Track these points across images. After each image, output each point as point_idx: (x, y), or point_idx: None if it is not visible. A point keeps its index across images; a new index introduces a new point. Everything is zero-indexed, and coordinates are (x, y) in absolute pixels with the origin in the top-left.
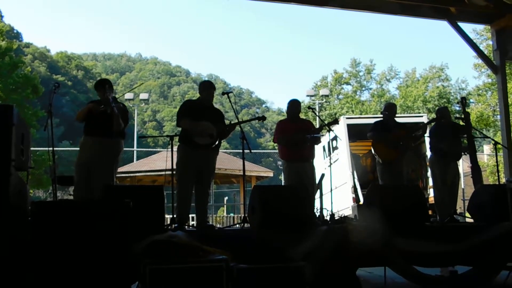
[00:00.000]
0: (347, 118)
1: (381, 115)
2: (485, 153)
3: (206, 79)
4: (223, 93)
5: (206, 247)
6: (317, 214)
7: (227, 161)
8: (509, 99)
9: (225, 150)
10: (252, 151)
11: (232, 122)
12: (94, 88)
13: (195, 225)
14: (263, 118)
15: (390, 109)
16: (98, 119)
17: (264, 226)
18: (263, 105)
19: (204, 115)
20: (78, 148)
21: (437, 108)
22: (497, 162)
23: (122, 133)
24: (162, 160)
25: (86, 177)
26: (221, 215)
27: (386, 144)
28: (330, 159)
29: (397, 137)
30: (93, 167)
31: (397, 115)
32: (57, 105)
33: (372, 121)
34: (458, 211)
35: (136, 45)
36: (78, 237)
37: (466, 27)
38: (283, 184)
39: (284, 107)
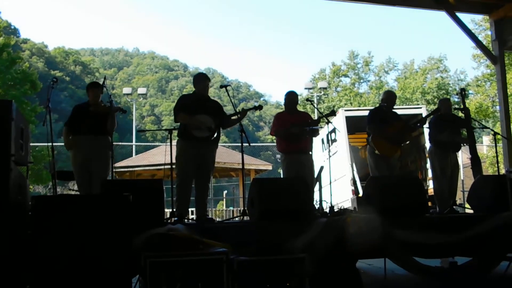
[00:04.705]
0: (345, 110)
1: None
2: (485, 144)
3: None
4: (221, 87)
5: (206, 240)
6: (317, 206)
7: (226, 154)
8: (508, 90)
9: (223, 144)
10: (251, 144)
11: (230, 113)
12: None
13: (194, 218)
14: (259, 108)
15: (388, 98)
16: (86, 118)
17: (264, 219)
18: (261, 98)
19: (201, 108)
20: None
21: (436, 99)
22: (496, 153)
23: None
24: (161, 154)
25: (87, 176)
26: (220, 209)
27: (387, 140)
28: (329, 151)
29: (396, 129)
30: (93, 164)
31: (396, 107)
32: (55, 100)
33: None
34: (458, 202)
35: (134, 40)
36: (78, 232)
37: (465, 17)
38: (282, 177)
39: (282, 100)
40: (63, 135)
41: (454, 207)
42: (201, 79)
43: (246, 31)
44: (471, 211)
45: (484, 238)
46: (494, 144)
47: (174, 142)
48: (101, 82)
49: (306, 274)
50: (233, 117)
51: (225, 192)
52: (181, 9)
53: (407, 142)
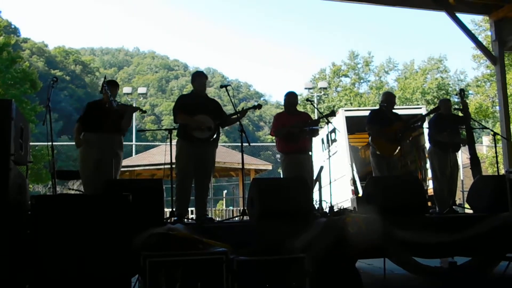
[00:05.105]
0: (345, 110)
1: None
2: (484, 145)
3: None
4: (221, 86)
5: (206, 240)
6: (316, 206)
7: (226, 154)
8: (508, 90)
9: (223, 144)
10: (250, 144)
11: (230, 113)
12: None
13: (194, 218)
14: (258, 107)
15: (387, 99)
16: (101, 115)
17: (263, 219)
18: (261, 98)
19: (200, 107)
20: None
21: (436, 99)
22: (496, 153)
23: (122, 130)
24: (161, 154)
25: (97, 174)
26: (220, 209)
27: (386, 140)
28: (329, 151)
29: (396, 130)
30: (104, 163)
31: (396, 107)
32: (55, 100)
33: None
34: (457, 202)
35: (134, 39)
36: (78, 231)
37: (465, 18)
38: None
39: (282, 100)
40: (75, 131)
41: (453, 207)
42: (198, 76)
43: (246, 31)
44: (471, 211)
45: (484, 238)
46: (493, 145)
47: (174, 142)
48: (101, 82)
49: (306, 274)
50: (233, 117)
51: (225, 191)
52: (181, 9)
53: (407, 142)
